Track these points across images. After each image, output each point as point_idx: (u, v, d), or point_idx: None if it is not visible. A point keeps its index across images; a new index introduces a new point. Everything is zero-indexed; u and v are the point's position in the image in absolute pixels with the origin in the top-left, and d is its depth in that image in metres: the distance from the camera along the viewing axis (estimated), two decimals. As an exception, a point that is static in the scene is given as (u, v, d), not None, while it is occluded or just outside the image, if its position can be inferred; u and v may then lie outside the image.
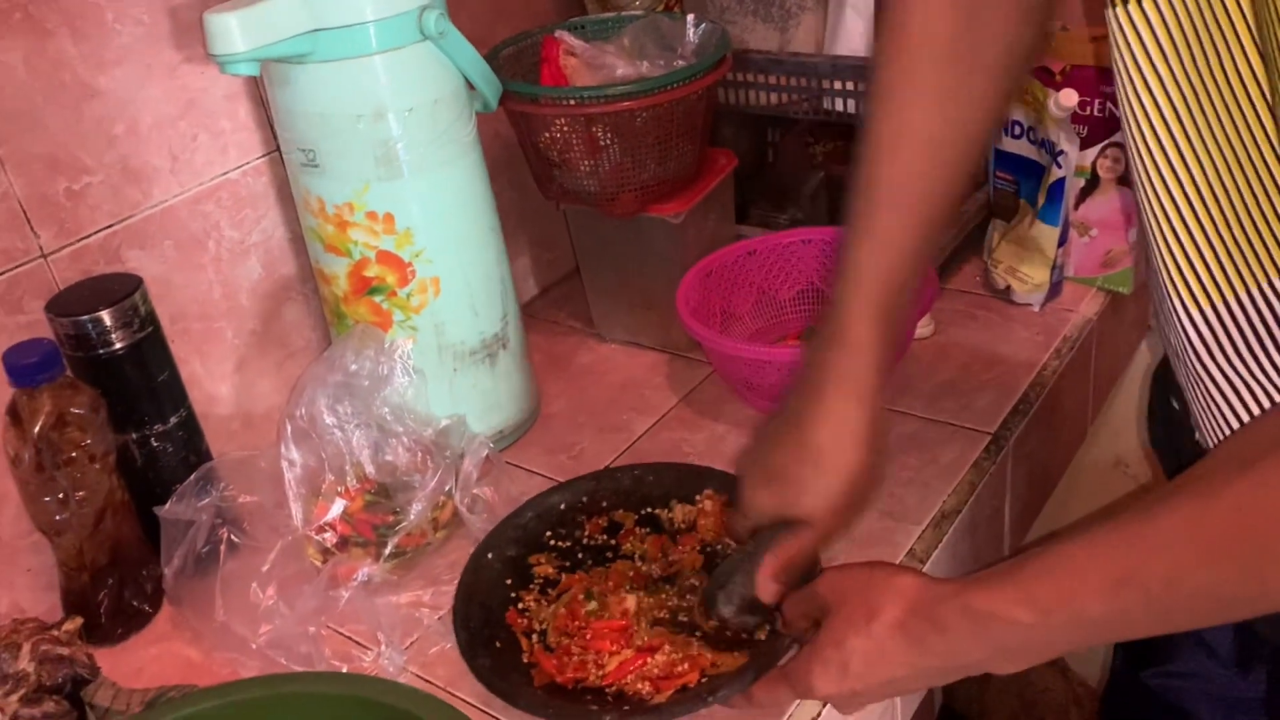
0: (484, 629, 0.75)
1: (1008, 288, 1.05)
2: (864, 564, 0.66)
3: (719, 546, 0.79)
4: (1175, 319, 0.59)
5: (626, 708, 0.67)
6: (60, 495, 0.76)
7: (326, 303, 0.91)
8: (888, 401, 0.93)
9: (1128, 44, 0.54)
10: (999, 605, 0.55)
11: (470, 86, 0.87)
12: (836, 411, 0.65)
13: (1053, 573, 0.53)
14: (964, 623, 0.56)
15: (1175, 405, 0.69)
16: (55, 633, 0.71)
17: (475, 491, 0.86)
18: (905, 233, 0.64)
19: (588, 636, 0.73)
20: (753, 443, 0.72)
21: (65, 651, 0.70)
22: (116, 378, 0.79)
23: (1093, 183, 1.01)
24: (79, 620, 0.73)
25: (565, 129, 0.93)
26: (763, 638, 0.70)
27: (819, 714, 0.69)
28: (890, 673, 0.60)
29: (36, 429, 0.73)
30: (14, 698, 0.65)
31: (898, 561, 0.78)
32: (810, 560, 0.68)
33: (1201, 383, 0.60)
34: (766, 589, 0.68)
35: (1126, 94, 0.55)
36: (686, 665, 0.69)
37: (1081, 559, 0.52)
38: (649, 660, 0.70)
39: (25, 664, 0.68)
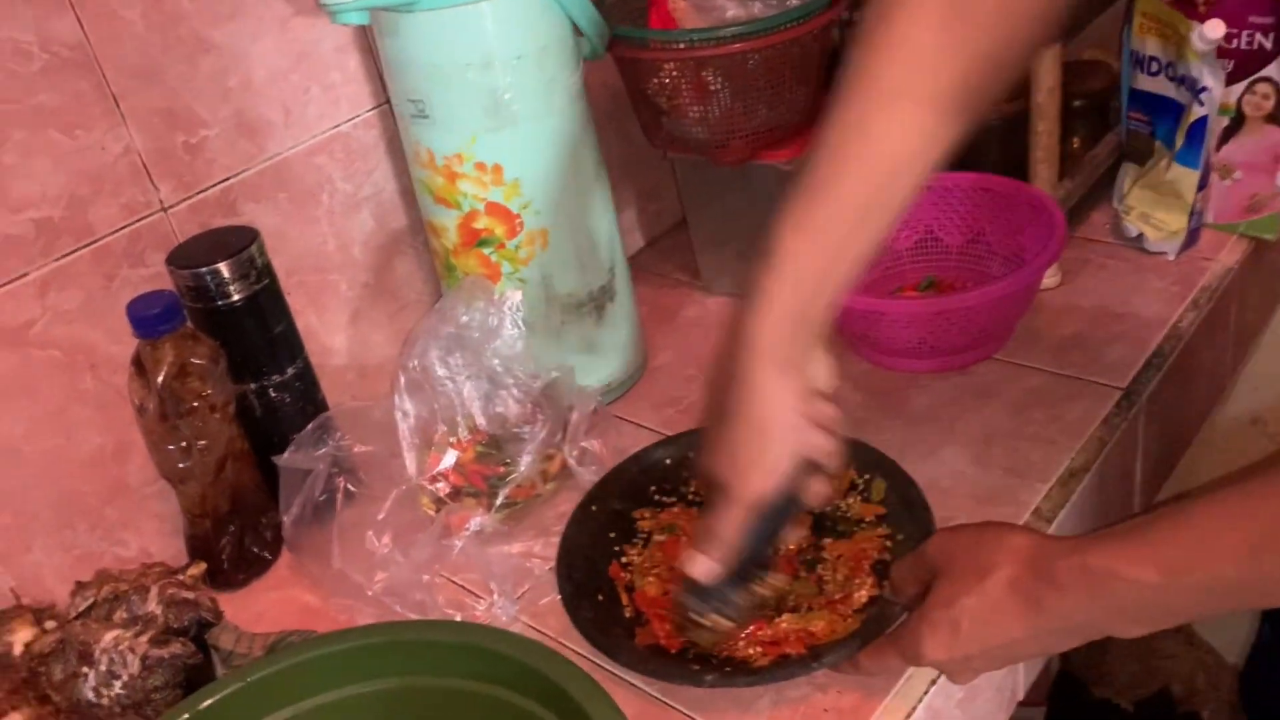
0: (588, 582, 0.74)
1: (1140, 235, 0.99)
2: (974, 524, 0.63)
3: (829, 509, 0.77)
4: None
5: (728, 669, 0.66)
6: (183, 444, 0.78)
7: (437, 255, 0.91)
8: (1014, 355, 0.90)
9: None
10: (1122, 564, 0.52)
11: (578, 32, 0.86)
12: (737, 369, 0.59)
13: (1185, 532, 0.50)
14: (1083, 581, 0.53)
15: None
16: (181, 577, 0.73)
17: (583, 444, 0.85)
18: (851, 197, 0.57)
19: (662, 558, 0.72)
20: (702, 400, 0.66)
21: (190, 595, 0.72)
22: (235, 329, 0.80)
23: (1238, 121, 0.95)
24: (203, 565, 0.75)
25: (674, 74, 0.90)
26: (709, 623, 0.64)
27: (928, 688, 0.66)
28: (1004, 635, 0.57)
29: (160, 379, 0.75)
30: (144, 638, 0.67)
31: (1022, 521, 0.75)
32: (729, 526, 0.61)
33: None
34: (692, 560, 0.63)
35: None
36: (795, 634, 0.67)
37: (1218, 519, 0.50)
38: None
39: (153, 606, 0.70)
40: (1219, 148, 0.96)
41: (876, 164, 0.58)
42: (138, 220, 0.81)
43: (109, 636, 0.67)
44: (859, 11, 0.99)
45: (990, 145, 1.02)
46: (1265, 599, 0.52)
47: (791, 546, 0.73)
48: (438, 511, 0.81)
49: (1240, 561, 0.48)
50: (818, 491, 0.63)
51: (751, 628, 0.68)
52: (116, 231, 0.79)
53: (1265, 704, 0.85)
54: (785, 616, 0.68)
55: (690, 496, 0.81)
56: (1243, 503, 0.49)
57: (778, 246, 0.58)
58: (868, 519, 0.75)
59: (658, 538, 0.76)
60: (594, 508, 0.79)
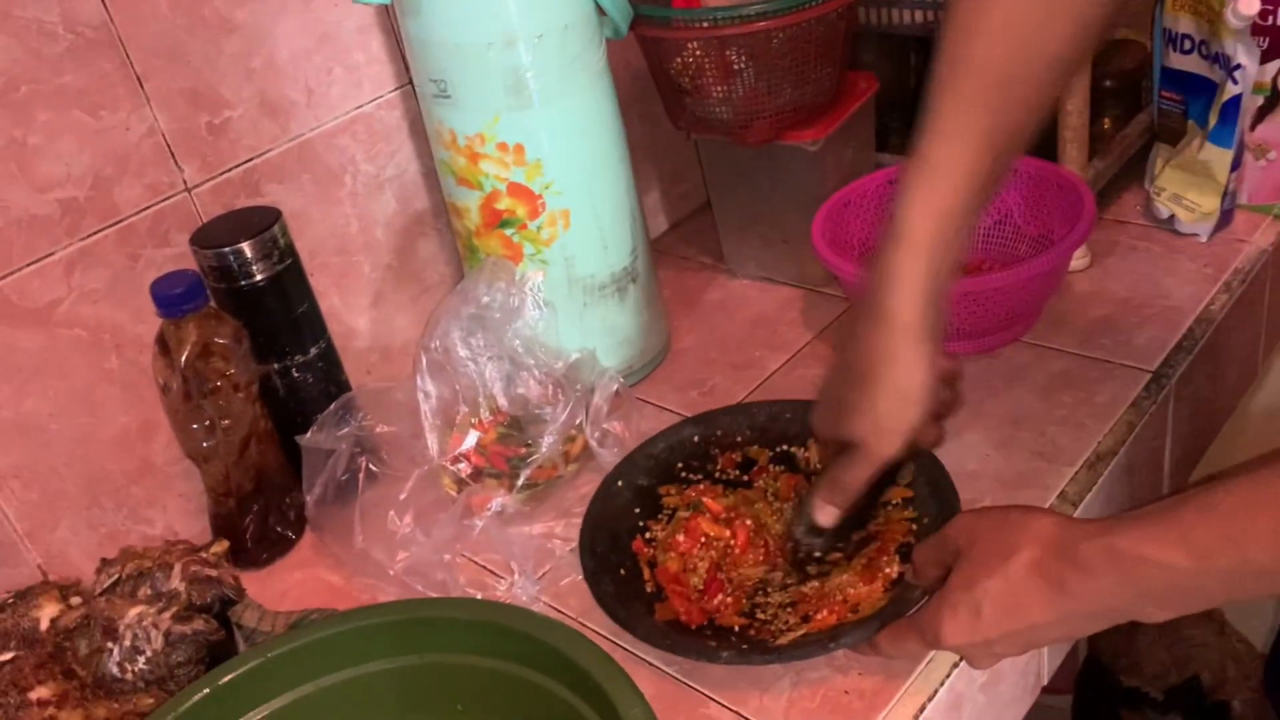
0: (610, 555, 0.74)
1: (1172, 217, 0.97)
2: (998, 507, 0.63)
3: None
4: None
5: (745, 646, 0.66)
6: (207, 423, 0.78)
7: (459, 236, 0.91)
8: (1042, 338, 0.89)
9: None
10: (1150, 547, 0.51)
11: (600, 11, 0.85)
12: (879, 342, 0.62)
13: (1215, 514, 0.49)
14: (1109, 564, 0.52)
15: None
16: (204, 554, 0.73)
17: (605, 426, 0.85)
18: (972, 155, 0.60)
19: (683, 536, 0.73)
20: (828, 368, 0.71)
21: (213, 573, 0.72)
22: (258, 309, 0.81)
23: (1273, 100, 0.93)
24: (225, 543, 0.76)
25: (698, 53, 0.90)
26: (825, 556, 0.71)
27: (950, 672, 0.66)
28: (1026, 619, 0.56)
29: (183, 358, 0.75)
30: (167, 615, 0.68)
31: (1048, 505, 0.74)
32: (859, 481, 0.66)
33: None
34: (821, 511, 0.68)
35: None
36: (825, 610, 0.67)
37: (1249, 502, 0.48)
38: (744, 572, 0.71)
39: (177, 583, 0.70)
40: (1253, 127, 0.94)
41: (980, 133, 0.60)
42: (162, 200, 0.81)
43: (133, 612, 0.68)
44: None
45: (1018, 125, 1.00)
46: None
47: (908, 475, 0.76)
48: (459, 492, 0.81)
49: (1271, 546, 0.47)
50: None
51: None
52: (141, 212, 0.80)
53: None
54: (823, 583, 0.70)
55: (717, 474, 0.81)
56: (1273, 486, 0.48)
57: (905, 227, 0.61)
58: (895, 501, 0.74)
59: (682, 514, 0.76)
60: (619, 483, 0.79)
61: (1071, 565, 0.54)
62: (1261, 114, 0.94)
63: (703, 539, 0.73)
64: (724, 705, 0.66)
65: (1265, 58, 0.90)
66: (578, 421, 0.84)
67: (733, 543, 0.73)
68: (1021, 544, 0.56)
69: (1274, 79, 0.92)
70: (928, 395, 0.62)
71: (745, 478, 0.80)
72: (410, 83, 0.91)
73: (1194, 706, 1.34)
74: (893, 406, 0.63)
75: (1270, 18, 0.90)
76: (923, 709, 0.64)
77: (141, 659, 0.66)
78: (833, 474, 0.67)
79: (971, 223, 0.62)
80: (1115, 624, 0.56)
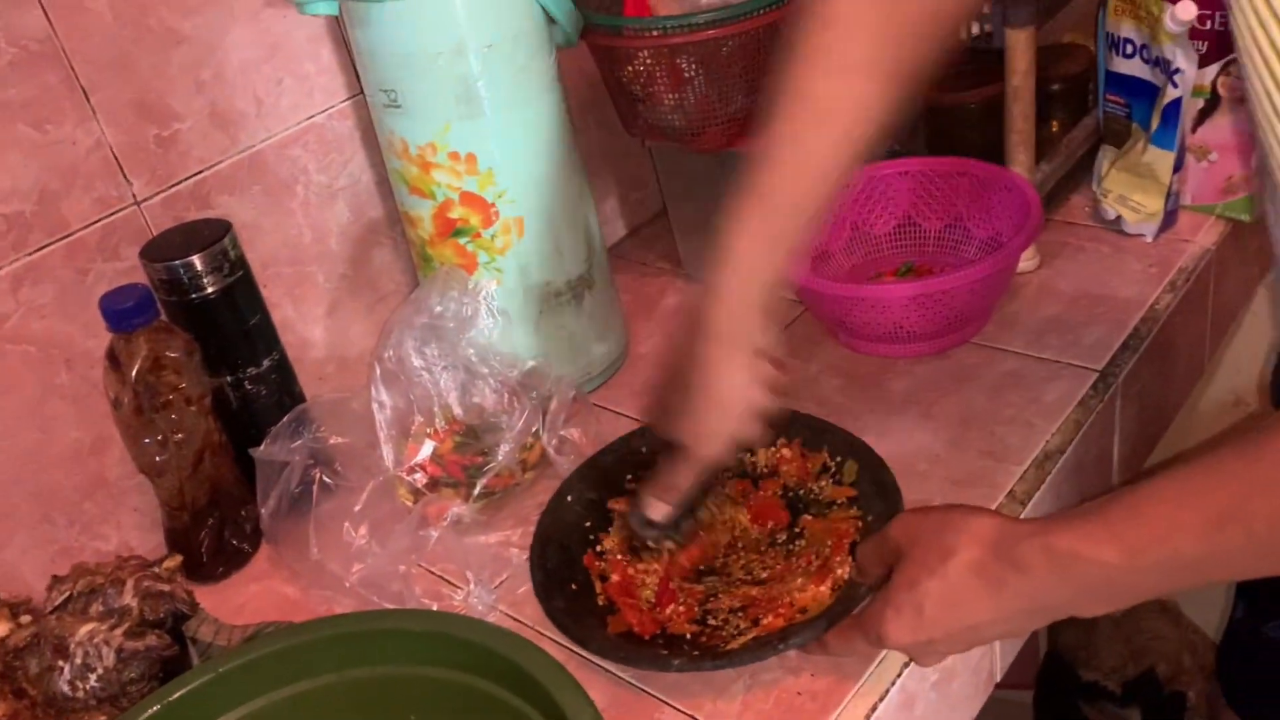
0: (561, 570, 0.74)
1: (1118, 218, 0.99)
2: (939, 507, 0.65)
3: (802, 491, 0.77)
4: None
5: (696, 653, 0.66)
6: (159, 437, 0.78)
7: (413, 246, 0.91)
8: (991, 339, 0.90)
9: None
10: (1084, 545, 0.52)
11: (550, 20, 0.85)
12: (699, 352, 0.65)
13: (1145, 511, 0.51)
14: (1046, 563, 0.54)
15: None
16: (156, 570, 0.73)
17: (563, 433, 0.85)
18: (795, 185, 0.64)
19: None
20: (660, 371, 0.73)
21: (166, 588, 0.72)
22: (210, 322, 0.80)
23: (1213, 103, 0.95)
24: (179, 558, 0.75)
25: (649, 61, 0.90)
26: (662, 548, 0.73)
27: (901, 671, 0.66)
28: (967, 617, 0.57)
29: (134, 372, 0.75)
30: (118, 631, 0.67)
31: (996, 503, 0.76)
32: (686, 481, 0.69)
33: None
34: (652, 507, 0.71)
35: (1245, 8, 0.49)
36: (773, 614, 0.68)
37: (1177, 496, 0.50)
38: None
39: (129, 599, 0.70)
40: (1195, 129, 0.96)
41: (805, 161, 0.63)
42: (110, 214, 0.80)
43: (84, 630, 0.67)
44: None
45: (967, 130, 1.02)
46: (1226, 573, 0.53)
47: (770, 495, 0.78)
48: (415, 502, 0.81)
49: (1198, 538, 0.48)
50: (760, 437, 0.70)
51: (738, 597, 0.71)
52: (89, 226, 0.79)
53: (1240, 680, 0.86)
54: (771, 586, 0.70)
55: None
56: (1199, 479, 0.49)
57: (723, 242, 0.64)
58: (840, 501, 0.75)
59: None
60: (569, 498, 0.79)
61: (1010, 565, 0.55)
62: (1202, 116, 0.96)
63: None
64: (679, 709, 0.66)
65: (1204, 61, 0.92)
66: (534, 429, 0.84)
67: (680, 555, 0.74)
68: (961, 544, 0.57)
69: (1213, 82, 0.94)
70: (745, 403, 0.65)
71: None
72: (361, 92, 0.91)
73: (1151, 698, 1.37)
74: (711, 413, 0.66)
75: (1208, 22, 0.92)
76: (875, 708, 0.65)
77: (93, 676, 0.66)
78: (662, 472, 0.70)
79: (795, 241, 0.65)
80: (1054, 620, 0.57)
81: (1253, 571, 0.51)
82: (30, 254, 0.77)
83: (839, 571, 0.69)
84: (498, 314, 0.85)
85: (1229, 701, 0.91)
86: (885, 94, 0.62)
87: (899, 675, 0.66)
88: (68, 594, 0.71)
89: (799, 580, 0.69)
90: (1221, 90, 0.94)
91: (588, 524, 0.78)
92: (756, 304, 0.64)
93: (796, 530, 0.75)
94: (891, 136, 0.68)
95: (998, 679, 0.79)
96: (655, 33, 0.88)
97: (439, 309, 0.82)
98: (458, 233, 0.86)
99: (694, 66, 0.90)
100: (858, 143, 0.63)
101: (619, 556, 0.75)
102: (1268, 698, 0.84)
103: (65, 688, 0.66)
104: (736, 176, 0.97)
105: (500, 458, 0.82)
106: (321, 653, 0.59)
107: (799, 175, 0.63)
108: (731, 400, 0.65)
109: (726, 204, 0.65)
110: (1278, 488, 0.46)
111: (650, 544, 0.73)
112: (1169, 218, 0.97)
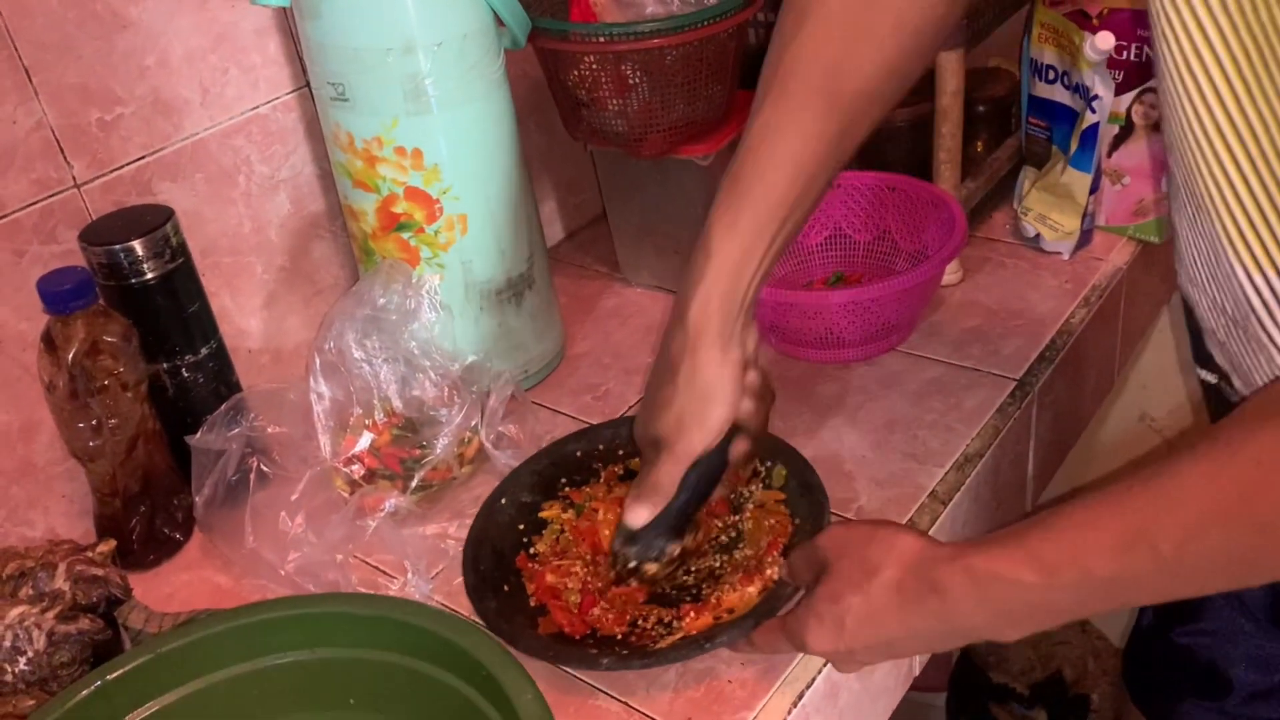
0: (494, 572, 0.75)
1: (1037, 235, 1.04)
2: (868, 522, 0.66)
3: (738, 496, 0.79)
4: (1234, 283, 0.55)
5: (625, 652, 0.68)
6: (94, 422, 0.77)
7: (355, 239, 0.92)
8: (916, 347, 0.94)
9: None
10: (1002, 566, 0.53)
11: (499, 22, 0.87)
12: (681, 344, 0.66)
13: (1060, 532, 0.52)
14: (965, 584, 0.55)
15: (1212, 379, 0.67)
16: (89, 554, 0.72)
17: (500, 428, 0.86)
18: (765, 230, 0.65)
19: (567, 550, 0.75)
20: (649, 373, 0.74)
21: (99, 572, 0.71)
22: (148, 308, 0.80)
23: (1127, 129, 1.00)
24: (112, 542, 0.75)
25: (594, 67, 0.92)
26: (638, 566, 0.70)
27: (826, 663, 0.69)
28: (885, 634, 0.59)
29: (70, 356, 0.74)
30: (50, 614, 0.67)
31: (919, 502, 0.79)
32: (669, 478, 0.68)
33: (1263, 350, 0.56)
34: (631, 511, 0.69)
35: (1171, 41, 0.51)
36: (698, 613, 0.70)
37: (1090, 518, 0.51)
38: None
39: (61, 583, 0.69)
40: (1110, 154, 1.01)
41: (788, 164, 0.64)
42: (49, 196, 0.80)
43: (14, 613, 0.66)
44: (775, 14, 1.02)
45: (896, 147, 1.05)
46: (1138, 595, 0.54)
47: (719, 498, 0.76)
48: (352, 493, 0.82)
49: (1109, 558, 0.50)
50: (739, 449, 0.70)
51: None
52: (27, 207, 0.79)
53: (1147, 682, 0.89)
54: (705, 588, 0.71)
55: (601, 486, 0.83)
56: (1111, 503, 0.51)
57: (709, 241, 0.65)
58: (769, 504, 0.77)
59: (561, 526, 0.78)
60: (503, 500, 0.80)
61: (929, 585, 0.57)
62: (1117, 142, 1.01)
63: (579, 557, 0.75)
64: (613, 696, 0.68)
65: (1120, 89, 0.97)
66: (473, 424, 0.85)
67: (604, 560, 0.74)
68: (885, 563, 0.59)
69: (1128, 109, 0.99)
70: (728, 398, 0.66)
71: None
72: (307, 85, 0.91)
73: (1057, 700, 1.42)
74: (693, 404, 0.66)
75: (1124, 52, 0.97)
76: (801, 695, 0.67)
77: (22, 660, 0.65)
78: (643, 473, 0.69)
79: (777, 241, 0.66)
80: (971, 641, 0.59)
81: (1162, 594, 0.52)
82: (-35, 233, 0.76)
83: (768, 573, 0.71)
84: (441, 308, 0.86)
85: (1135, 702, 0.95)
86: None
87: (824, 665, 0.69)
88: (-4, 577, 0.70)
89: (728, 581, 0.71)
90: (1136, 117, 0.99)
91: (521, 526, 0.79)
92: (739, 299, 0.65)
93: (735, 535, 0.76)
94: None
95: (916, 674, 0.82)
96: (601, 39, 0.90)
97: (382, 301, 0.83)
98: (401, 227, 0.87)
99: (638, 74, 0.92)
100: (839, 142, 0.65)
101: (551, 560, 0.76)
102: (1174, 699, 0.87)
103: (-7, 671, 0.65)
104: (677, 182, 1.00)
105: (438, 451, 0.83)
106: (263, 636, 0.60)
107: (782, 172, 0.64)
108: (713, 391, 0.65)
109: (714, 199, 0.66)
110: (1183, 508, 0.47)
111: (632, 563, 0.71)
112: (1084, 237, 1.02)
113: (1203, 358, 0.65)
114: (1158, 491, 0.49)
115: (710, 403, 0.66)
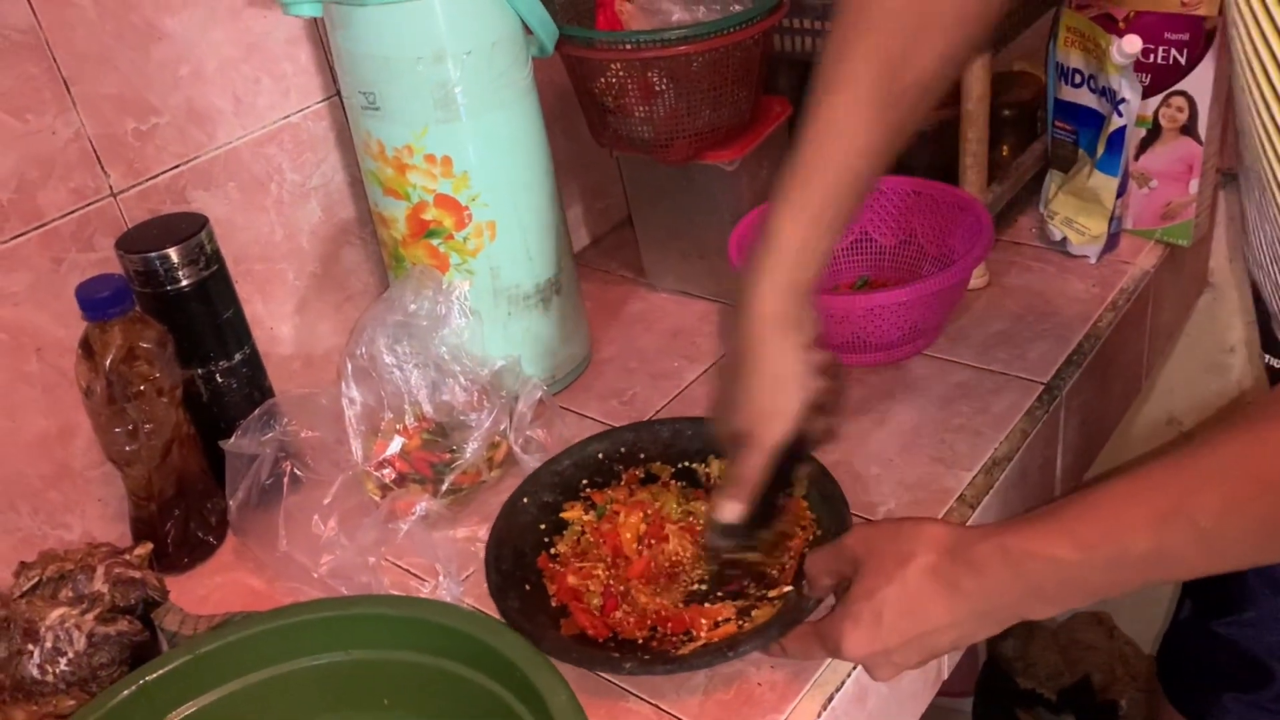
0: (515, 571, 0.75)
1: (1064, 239, 1.04)
2: (893, 519, 0.66)
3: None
4: None
5: (648, 657, 0.68)
6: (130, 427, 0.78)
7: (385, 246, 0.93)
8: (943, 351, 0.94)
9: None
10: (1038, 543, 0.54)
11: (527, 30, 0.88)
12: (748, 333, 0.67)
13: (1096, 509, 0.53)
14: (1000, 562, 0.55)
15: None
16: (127, 556, 0.74)
17: (529, 433, 0.87)
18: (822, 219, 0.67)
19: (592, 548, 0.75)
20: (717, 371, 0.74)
21: (137, 574, 0.72)
22: (183, 314, 0.81)
23: (1154, 133, 1.00)
24: (150, 545, 0.76)
25: (620, 74, 0.93)
26: (739, 558, 0.71)
27: (855, 666, 0.69)
28: (925, 623, 0.59)
29: (108, 362, 0.76)
30: (90, 616, 0.68)
31: (947, 506, 0.79)
32: (754, 471, 0.68)
33: None
34: (722, 507, 0.69)
35: (1242, 27, 0.51)
36: (720, 619, 0.70)
37: (1127, 493, 0.52)
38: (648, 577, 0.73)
39: (100, 585, 0.71)
40: (1137, 157, 1.01)
41: (848, 156, 0.66)
42: (87, 205, 0.81)
43: (55, 614, 0.68)
44: (799, 21, 1.02)
45: (923, 151, 1.06)
46: (1175, 570, 0.54)
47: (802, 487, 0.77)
48: (383, 497, 0.83)
49: (1147, 534, 0.50)
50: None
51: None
52: (65, 216, 0.80)
53: (1187, 677, 0.88)
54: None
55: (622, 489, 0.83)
56: (1148, 480, 0.51)
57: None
58: (797, 510, 0.77)
59: (582, 527, 0.79)
60: (525, 500, 0.81)
61: (965, 566, 0.57)
62: (1144, 145, 1.01)
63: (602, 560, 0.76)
64: (643, 699, 0.68)
65: (1147, 93, 0.97)
66: (502, 428, 0.86)
67: (625, 564, 0.75)
68: (917, 550, 0.59)
69: (1155, 113, 0.99)
70: (801, 381, 0.67)
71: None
72: (338, 94, 0.92)
73: (1085, 705, 1.41)
74: (768, 391, 0.67)
75: (1152, 56, 0.97)
76: (831, 699, 0.67)
77: (63, 660, 0.66)
78: (730, 470, 0.70)
79: (836, 228, 0.67)
80: (1007, 624, 0.59)
81: (1201, 568, 0.52)
82: (5, 242, 0.77)
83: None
84: (470, 314, 0.87)
85: (1171, 700, 0.93)
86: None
87: (853, 669, 0.69)
88: (36, 579, 0.71)
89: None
90: (1163, 121, 0.99)
91: (542, 526, 0.80)
92: (802, 285, 0.66)
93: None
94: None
95: (944, 678, 0.82)
96: (628, 46, 0.91)
97: (413, 307, 0.84)
98: (431, 234, 0.88)
99: (664, 80, 0.93)
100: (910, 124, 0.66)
101: (572, 562, 0.76)
102: (1212, 692, 0.86)
103: (35, 671, 0.66)
104: (702, 188, 1.00)
105: (468, 455, 0.84)
106: (298, 637, 0.61)
107: (839, 163, 0.65)
108: (785, 377, 0.66)
109: (775, 190, 0.67)
110: (1224, 481, 0.48)
111: (727, 554, 0.71)
112: (1111, 240, 1.02)
113: (1271, 344, 0.65)
114: (1196, 466, 0.49)
115: (783, 390, 0.67)
